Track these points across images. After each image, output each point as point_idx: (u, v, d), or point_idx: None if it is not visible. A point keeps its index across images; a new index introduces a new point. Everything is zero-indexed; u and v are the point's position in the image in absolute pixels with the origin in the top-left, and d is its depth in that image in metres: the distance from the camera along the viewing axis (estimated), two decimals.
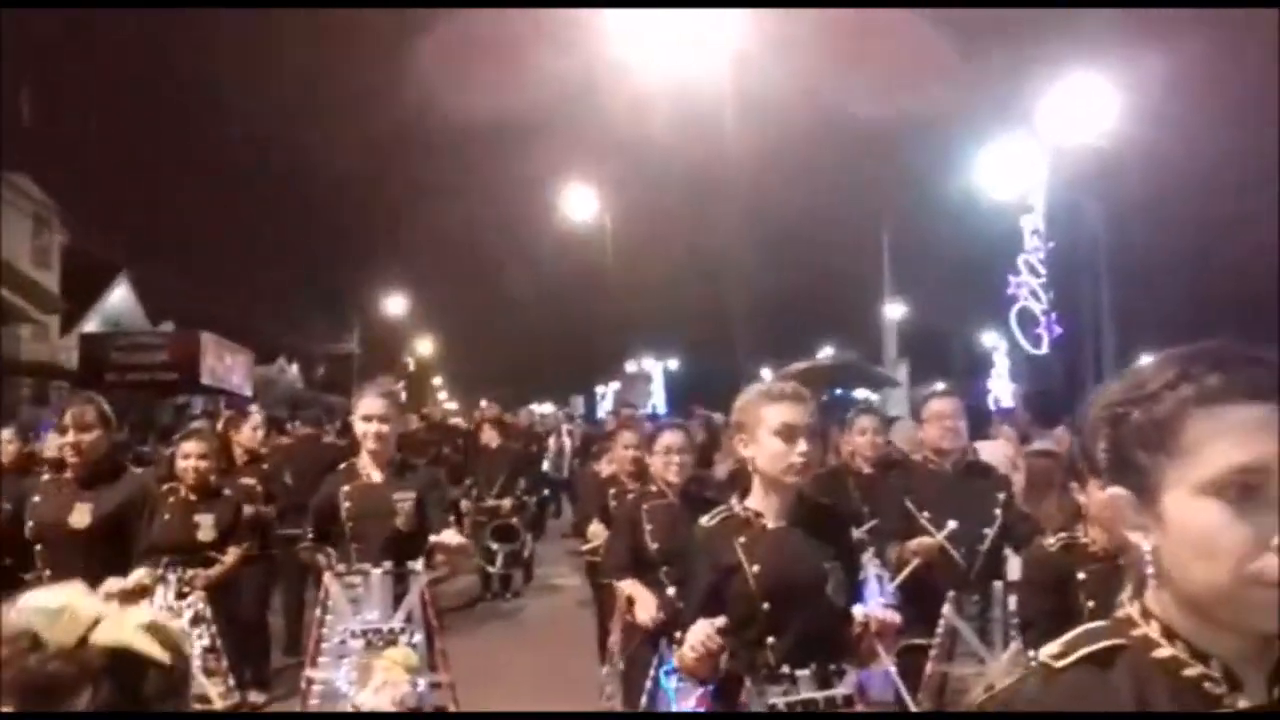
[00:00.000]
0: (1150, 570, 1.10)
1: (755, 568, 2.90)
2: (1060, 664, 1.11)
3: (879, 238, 27.74)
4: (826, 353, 28.64)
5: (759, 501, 3.02)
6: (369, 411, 4.62)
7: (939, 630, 4.65)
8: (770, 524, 2.98)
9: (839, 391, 19.15)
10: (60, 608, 0.99)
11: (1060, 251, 20.79)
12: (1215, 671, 1.07)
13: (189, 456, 5.79)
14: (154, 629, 1.03)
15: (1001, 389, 22.86)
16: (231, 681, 5.85)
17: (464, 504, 11.06)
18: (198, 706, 5.16)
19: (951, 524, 4.75)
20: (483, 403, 17.81)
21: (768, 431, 2.93)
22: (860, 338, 30.91)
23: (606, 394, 36.25)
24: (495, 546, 10.16)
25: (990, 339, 26.22)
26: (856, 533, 5.19)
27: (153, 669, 1.00)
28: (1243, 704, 1.06)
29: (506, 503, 10.68)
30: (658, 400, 33.65)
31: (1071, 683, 1.10)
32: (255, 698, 6.75)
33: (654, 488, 5.01)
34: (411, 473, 4.79)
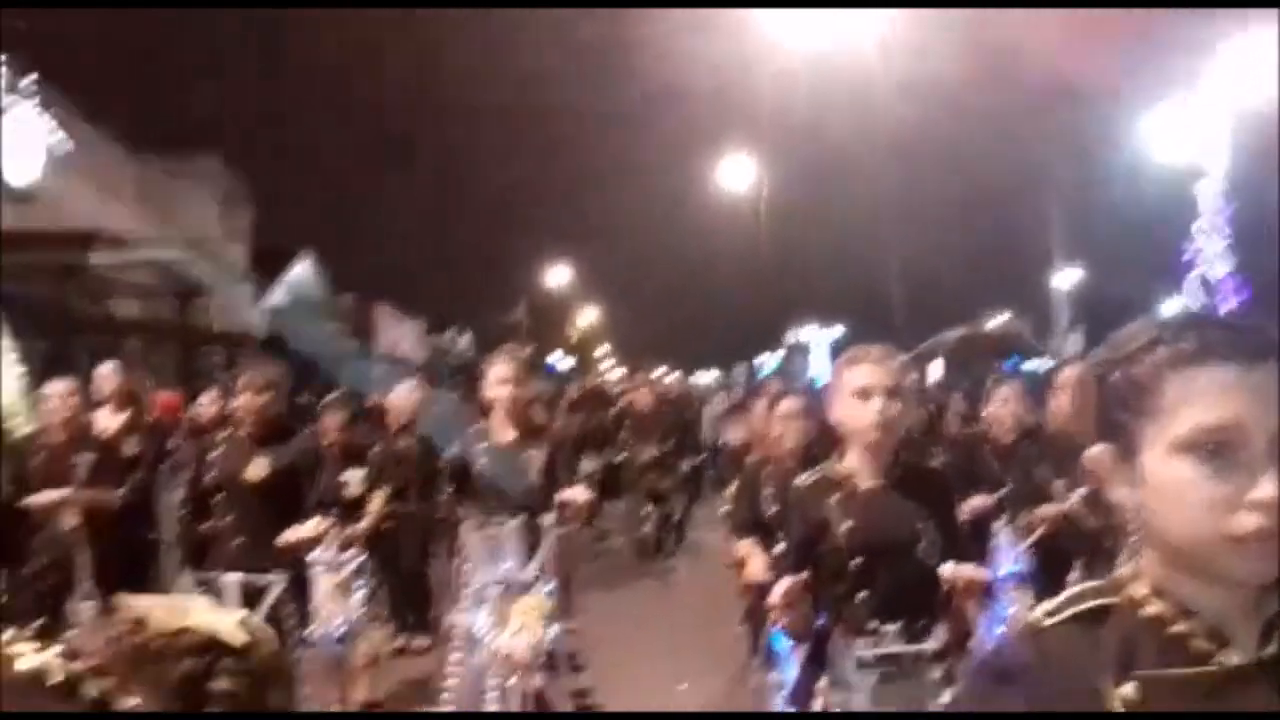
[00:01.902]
0: (1133, 526, 1.15)
1: (846, 525, 3.00)
2: (1049, 621, 1.16)
3: (1049, 203, 26.69)
4: (997, 321, 27.82)
5: (853, 462, 3.11)
6: (501, 376, 4.89)
7: None
8: (864, 484, 3.08)
9: (1005, 364, 18.65)
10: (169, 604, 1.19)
11: (1244, 215, 19.61)
12: (1201, 629, 1.09)
13: (330, 415, 6.27)
14: (249, 625, 1.20)
15: None
16: (393, 626, 6.31)
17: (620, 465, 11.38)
18: (364, 650, 5.61)
19: (1080, 491, 4.72)
20: (655, 371, 18.12)
21: (848, 394, 3.04)
22: (1031, 306, 29.89)
23: (767, 364, 36.16)
24: (647, 509, 10.35)
25: (1170, 307, 24.96)
26: (987, 499, 5.23)
27: (234, 653, 1.15)
28: (1230, 661, 1.08)
29: (656, 466, 10.89)
30: (819, 370, 33.39)
31: (1056, 638, 1.14)
32: (419, 642, 7.20)
33: (774, 452, 5.13)
34: (541, 433, 5.06)
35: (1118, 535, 4.56)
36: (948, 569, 2.97)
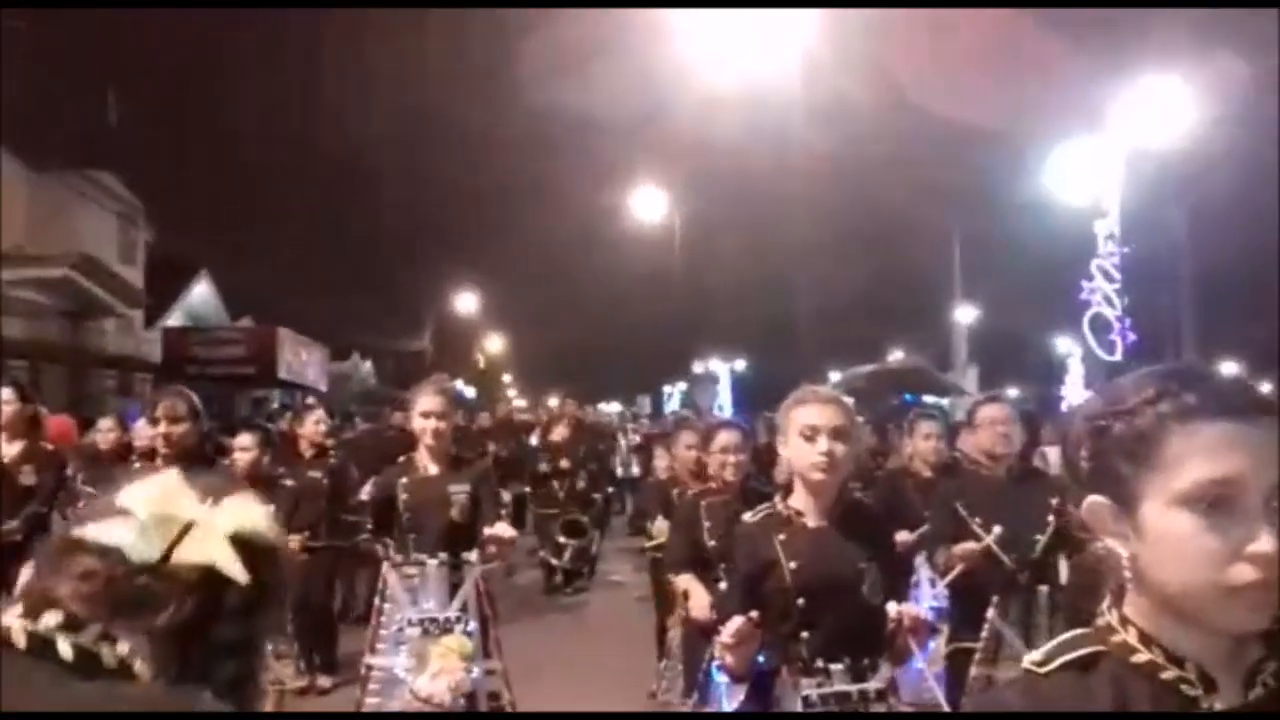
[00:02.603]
0: (1128, 576, 1.16)
1: (792, 564, 2.99)
2: (1043, 670, 1.17)
3: (950, 241, 27.45)
4: (896, 356, 28.43)
5: (800, 501, 3.11)
6: (427, 408, 4.78)
7: (984, 633, 4.69)
8: (810, 522, 3.07)
9: (908, 397, 19.04)
10: (147, 520, 1.03)
11: (1137, 257, 20.39)
12: (1191, 674, 1.12)
13: (245, 450, 6.06)
14: (244, 538, 1.04)
15: (1076, 395, 22.49)
16: (301, 665, 6.11)
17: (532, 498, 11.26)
18: (272, 688, 5.40)
19: (997, 529, 4.78)
20: (552, 400, 17.99)
21: (795, 433, 3.05)
22: (930, 342, 30.64)
23: (673, 394, 36.38)
24: (564, 541, 10.23)
25: (1065, 345, 25.84)
26: (909, 536, 5.26)
27: (234, 585, 1.02)
28: (1218, 705, 1.11)
29: (577, 498, 10.82)
30: (724, 401, 33.68)
31: (1054, 687, 1.16)
32: (323, 681, 6.98)
33: (714, 485, 5.09)
34: (466, 467, 4.95)
35: (1040, 573, 4.65)
36: (893, 607, 2.98)
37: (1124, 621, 1.17)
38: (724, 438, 5.02)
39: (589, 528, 10.46)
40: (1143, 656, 1.14)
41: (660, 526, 6.22)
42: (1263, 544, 1.05)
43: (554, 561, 10.41)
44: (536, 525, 11.31)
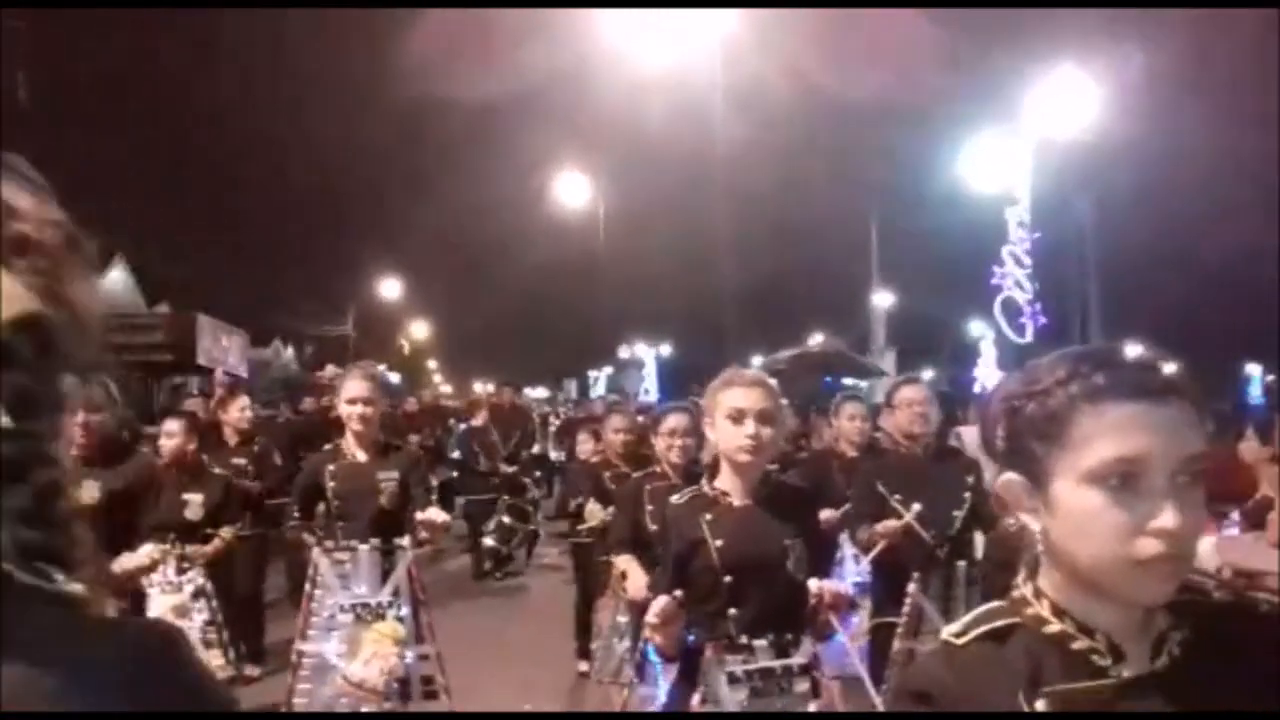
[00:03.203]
0: (1041, 550, 1.21)
1: (718, 542, 3.08)
2: (961, 640, 1.22)
3: (868, 227, 27.90)
4: (817, 340, 28.81)
5: (726, 482, 3.19)
6: (354, 394, 4.76)
7: (905, 608, 4.87)
8: (736, 502, 3.16)
9: (828, 380, 19.34)
10: None
11: (1046, 243, 20.97)
12: (1101, 644, 1.17)
13: (171, 436, 5.97)
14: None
15: (989, 377, 23.02)
16: (230, 654, 6.05)
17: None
18: None
19: (916, 506, 4.96)
20: (476, 386, 17.91)
21: (722, 415, 3.13)
22: (849, 326, 31.05)
23: (599, 379, 36.43)
24: (511, 524, 10.16)
25: (978, 328, 26.42)
26: (833, 514, 5.41)
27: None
28: (1126, 673, 1.16)
29: (510, 482, 10.76)
30: (650, 385, 33.83)
31: (970, 657, 1.21)
32: (251, 671, 6.90)
33: (657, 469, 5.13)
34: (395, 452, 4.94)
35: (958, 549, 4.83)
36: (814, 584, 3.09)
37: (1037, 594, 1.22)
38: (672, 421, 5.05)
39: (533, 513, 10.38)
40: (1054, 627, 1.19)
41: (592, 509, 6.29)
42: (1166, 519, 1.10)
43: (499, 547, 10.31)
44: (466, 511, 11.28)
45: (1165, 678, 1.17)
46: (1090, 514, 1.14)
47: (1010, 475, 1.23)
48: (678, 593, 2.94)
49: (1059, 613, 1.20)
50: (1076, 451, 1.15)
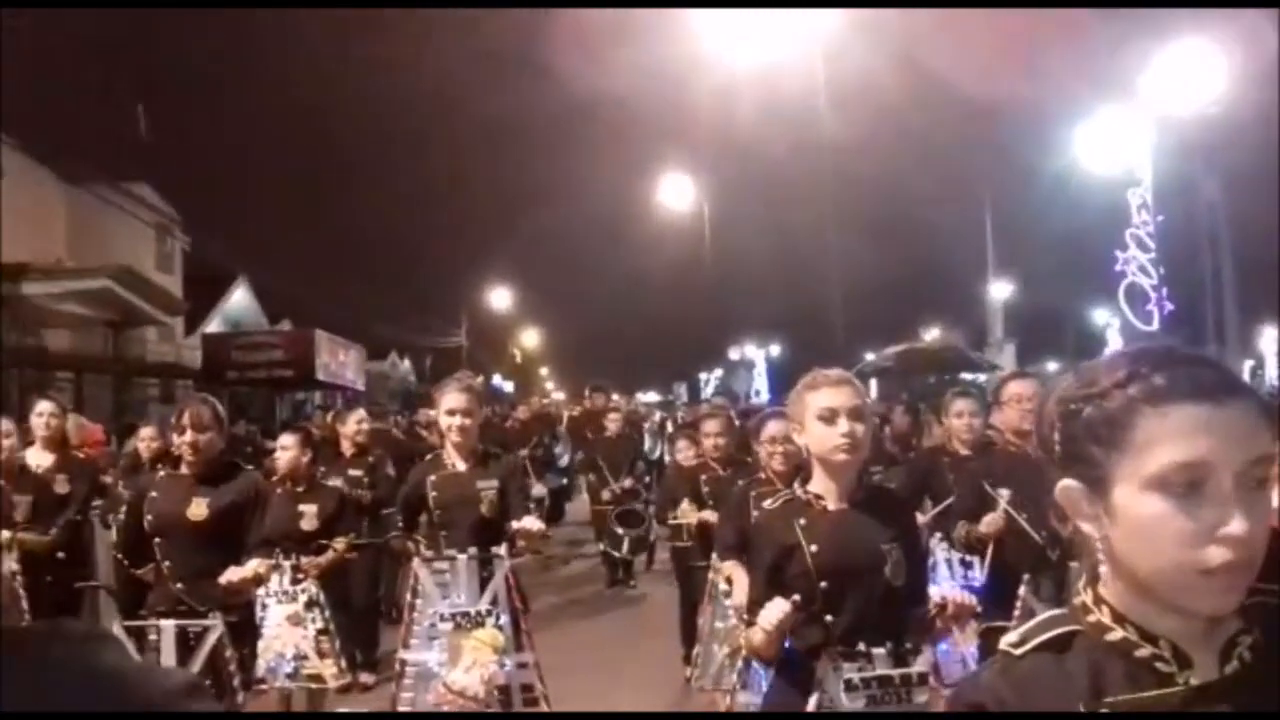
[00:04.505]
0: (1102, 558, 1.17)
1: (813, 547, 3.00)
2: (1019, 651, 1.18)
3: (982, 217, 27.19)
4: (932, 335, 28.25)
5: (819, 485, 3.11)
6: (452, 406, 4.80)
7: (1016, 611, 4.68)
8: (830, 506, 3.07)
9: (942, 376, 18.94)
10: None
11: (1171, 224, 20.08)
12: (1165, 651, 1.13)
13: (286, 449, 6.13)
14: None
15: None
16: (344, 663, 6.19)
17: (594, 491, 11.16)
18: (313, 686, 5.48)
19: (1004, 492, 4.80)
20: (586, 392, 17.99)
21: (812, 417, 3.04)
22: (966, 319, 30.42)
23: (710, 380, 36.39)
24: (621, 531, 9.91)
25: (1102, 317, 25.55)
26: (924, 518, 5.25)
27: None
28: (1194, 681, 1.12)
29: (630, 491, 10.59)
30: (760, 386, 33.64)
31: (1029, 669, 1.17)
32: (366, 678, 7.08)
33: (762, 474, 5.08)
34: (494, 461, 4.96)
35: (1071, 549, 4.65)
36: (935, 591, 2.99)
37: (1098, 601, 1.18)
38: (773, 427, 5.00)
39: (645, 516, 10.28)
40: (1116, 635, 1.15)
41: (684, 508, 6.24)
42: (1234, 526, 1.06)
43: (614, 554, 10.12)
44: (593, 519, 11.28)
45: (1237, 684, 1.12)
46: (1154, 521, 1.09)
47: (1069, 482, 1.17)
48: (795, 597, 2.89)
49: (1120, 620, 1.16)
50: (1138, 456, 1.10)
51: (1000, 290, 30.18)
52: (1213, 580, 1.07)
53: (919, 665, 3.01)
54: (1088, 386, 1.17)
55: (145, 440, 8.15)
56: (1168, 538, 1.08)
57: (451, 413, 4.81)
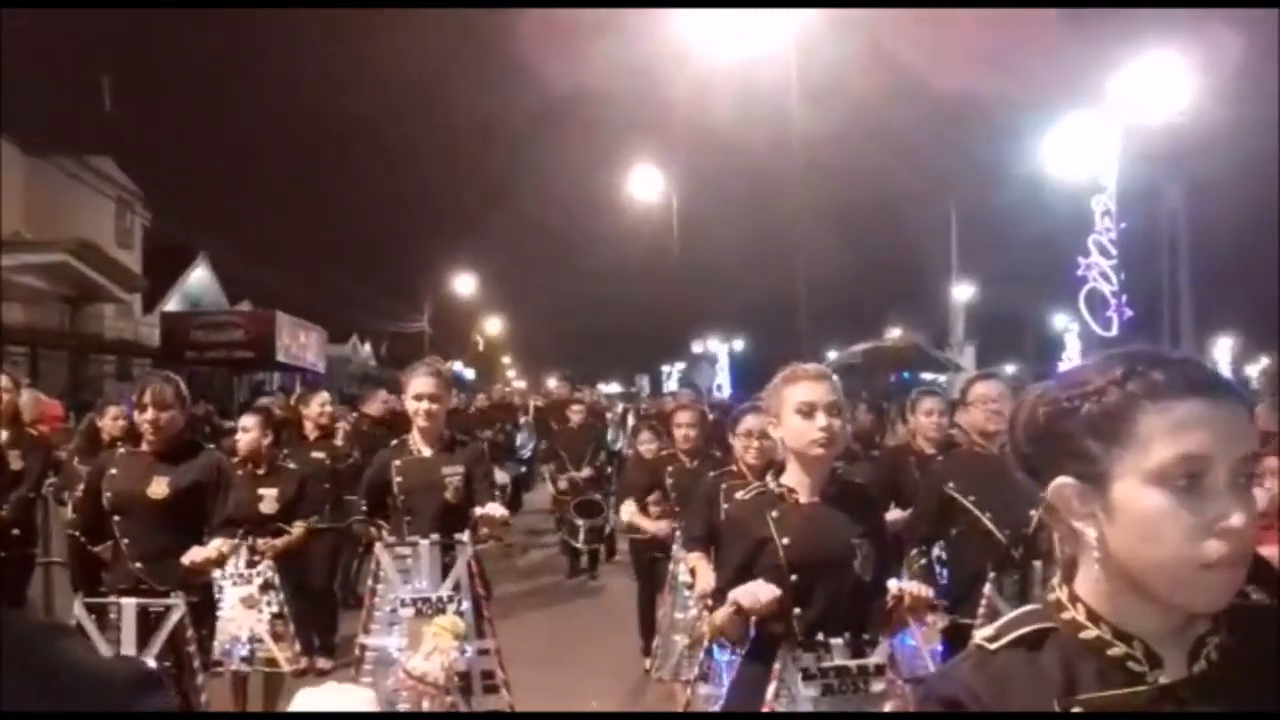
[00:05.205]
0: (1096, 556, 1.16)
1: (785, 540, 3.01)
2: (993, 646, 1.19)
3: (947, 218, 27.40)
4: (893, 334, 28.44)
5: (792, 479, 3.12)
6: (420, 390, 4.75)
7: (981, 609, 4.72)
8: (803, 499, 3.09)
9: (904, 375, 19.08)
10: None
11: (1133, 232, 20.34)
12: (1137, 650, 1.15)
13: (247, 431, 6.04)
14: None
15: None
16: (298, 647, 6.14)
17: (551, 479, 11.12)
18: (266, 670, 5.42)
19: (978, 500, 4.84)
20: (550, 381, 17.96)
21: (790, 411, 3.05)
22: (928, 320, 30.66)
23: (672, 374, 36.40)
24: (578, 521, 9.89)
25: (1061, 321, 25.83)
26: (900, 515, 5.28)
27: None
28: (1163, 680, 1.14)
29: (588, 477, 10.54)
30: (723, 380, 33.72)
31: (1003, 665, 1.18)
32: (322, 663, 7.00)
33: (733, 468, 5.07)
34: (460, 448, 4.92)
35: (1034, 549, 4.68)
36: (894, 584, 3.00)
37: (1073, 598, 1.19)
38: (750, 421, 4.99)
39: (604, 506, 10.12)
40: (1090, 633, 1.16)
41: (626, 509, 6.29)
42: (1234, 519, 1.08)
43: (573, 543, 10.12)
44: (554, 507, 11.18)
45: (1203, 683, 1.14)
46: (1157, 516, 1.10)
47: (1063, 480, 1.18)
48: (779, 592, 2.91)
49: (1094, 618, 1.17)
50: (1139, 451, 1.12)
51: (963, 291, 30.47)
52: (1211, 575, 1.09)
53: (876, 657, 3.03)
54: (1081, 385, 1.18)
55: (111, 419, 8.01)
56: (1171, 532, 1.09)
57: (419, 397, 4.76)
